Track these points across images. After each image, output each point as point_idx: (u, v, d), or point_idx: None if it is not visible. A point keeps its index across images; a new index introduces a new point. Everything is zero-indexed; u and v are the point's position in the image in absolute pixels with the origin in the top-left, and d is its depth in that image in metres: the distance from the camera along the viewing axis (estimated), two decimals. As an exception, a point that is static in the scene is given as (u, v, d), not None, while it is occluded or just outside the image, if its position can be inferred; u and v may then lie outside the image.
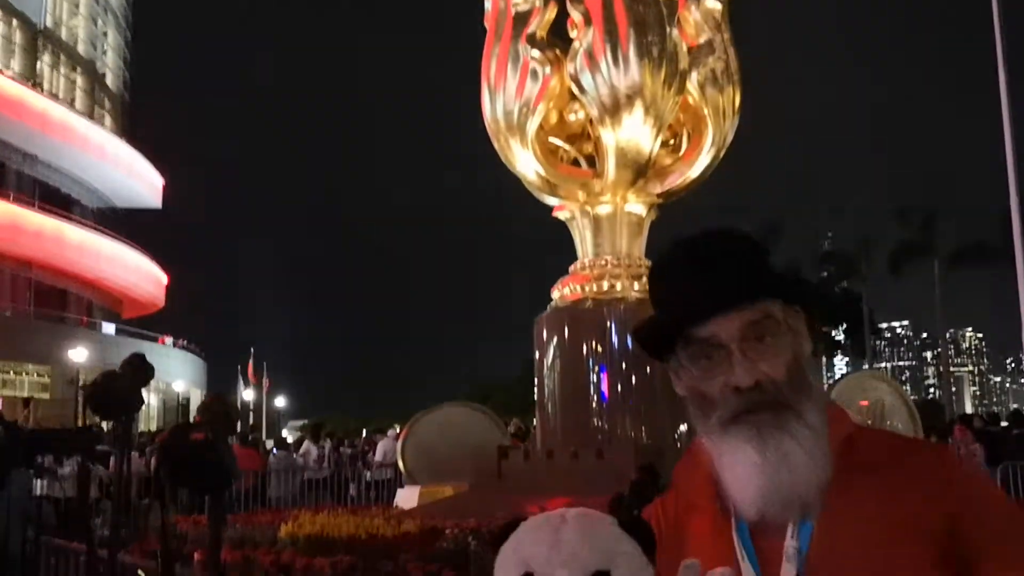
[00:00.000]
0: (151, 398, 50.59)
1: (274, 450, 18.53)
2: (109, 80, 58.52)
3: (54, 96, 48.14)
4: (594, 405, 9.78)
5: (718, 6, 9.20)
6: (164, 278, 55.77)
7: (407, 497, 10.15)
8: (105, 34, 59.33)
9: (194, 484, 2.88)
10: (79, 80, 54.00)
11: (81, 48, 55.19)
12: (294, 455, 17.99)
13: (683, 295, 1.35)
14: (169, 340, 54.52)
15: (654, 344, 1.41)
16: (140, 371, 3.03)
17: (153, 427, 44.52)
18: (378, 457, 16.62)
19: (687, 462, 1.45)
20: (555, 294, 10.18)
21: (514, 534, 1.14)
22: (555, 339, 10.03)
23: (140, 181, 53.90)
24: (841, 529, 1.28)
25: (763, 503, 1.28)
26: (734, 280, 1.34)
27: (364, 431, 29.93)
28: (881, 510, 1.26)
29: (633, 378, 9.53)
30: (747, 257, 1.38)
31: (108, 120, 55.95)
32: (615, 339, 9.56)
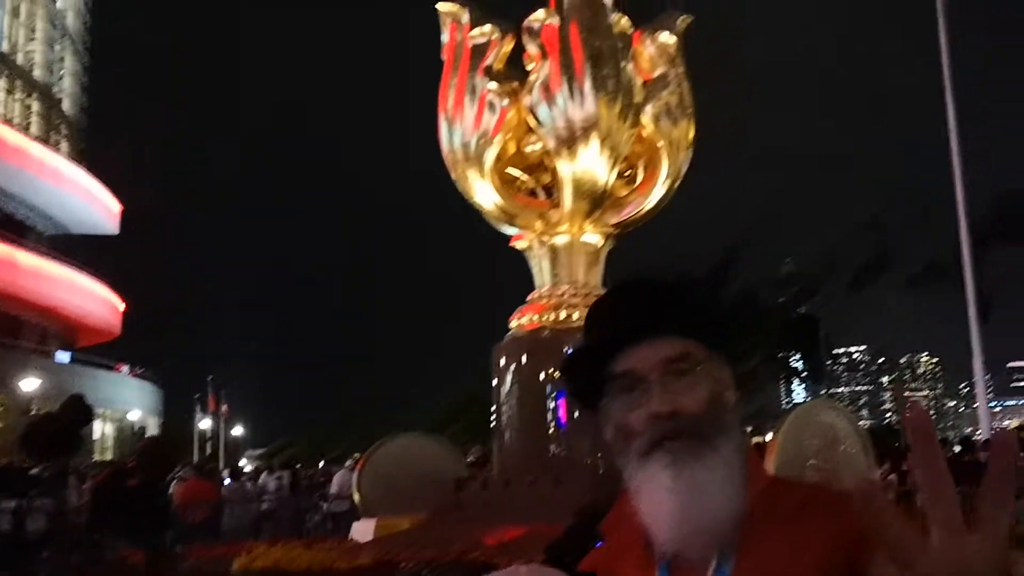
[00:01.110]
0: (105, 427, 49.75)
1: (227, 480, 18.30)
2: (66, 105, 57.96)
3: (9, 121, 47.55)
4: (552, 432, 9.80)
5: (672, 41, 9.34)
6: (120, 305, 54.98)
7: (363, 530, 10.05)
8: (62, 59, 58.82)
9: (129, 531, 2.85)
10: (35, 105, 53.45)
11: (38, 73, 54.66)
12: (247, 485, 17.79)
13: (606, 327, 1.43)
14: (125, 368, 53.71)
15: (584, 386, 1.45)
16: (79, 413, 3.00)
17: (107, 457, 43.76)
18: (334, 489, 16.45)
19: (618, 511, 1.48)
20: (513, 323, 10.21)
21: None
22: (513, 367, 10.05)
23: (96, 206, 53.30)
24: (757, 572, 1.31)
25: (675, 531, 1.31)
26: (654, 313, 1.41)
27: (322, 462, 29.68)
28: (794, 556, 1.30)
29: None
30: (672, 294, 1.45)
31: (64, 145, 55.33)
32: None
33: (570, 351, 1.50)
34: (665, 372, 1.36)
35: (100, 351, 52.68)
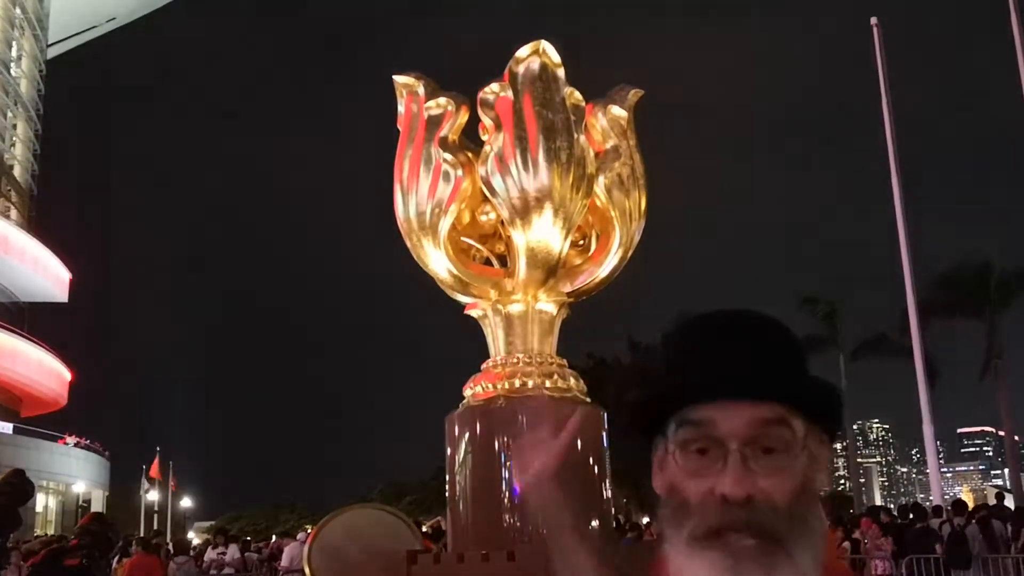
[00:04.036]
0: (48, 500, 48.30)
1: (175, 557, 17.77)
2: (17, 172, 57.38)
3: (-43, 188, 46.94)
4: (507, 502, 9.69)
5: (624, 114, 9.53)
6: (68, 375, 53.82)
7: (314, 604, 9.81)
8: (14, 126, 58.40)
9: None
10: (-16, 172, 52.88)
11: (-12, 140, 54.21)
12: (203, 557, 17.32)
13: (696, 364, 1.14)
14: (71, 440, 52.37)
15: (647, 417, 1.18)
16: (18, 490, 2.93)
17: (50, 531, 42.38)
18: (284, 562, 16.11)
19: None
20: (467, 391, 10.16)
21: None
22: (467, 436, 9.97)
23: (46, 275, 52.48)
24: None
25: None
26: (761, 364, 1.12)
27: (273, 536, 29.08)
28: None
29: (546, 476, 9.48)
30: (782, 348, 1.16)
31: (14, 213, 54.63)
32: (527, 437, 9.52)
33: (642, 390, 1.20)
34: (749, 441, 1.08)
35: (45, 421, 51.39)
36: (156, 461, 56.08)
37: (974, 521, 15.47)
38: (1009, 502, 25.06)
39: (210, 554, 17.63)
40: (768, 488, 1.06)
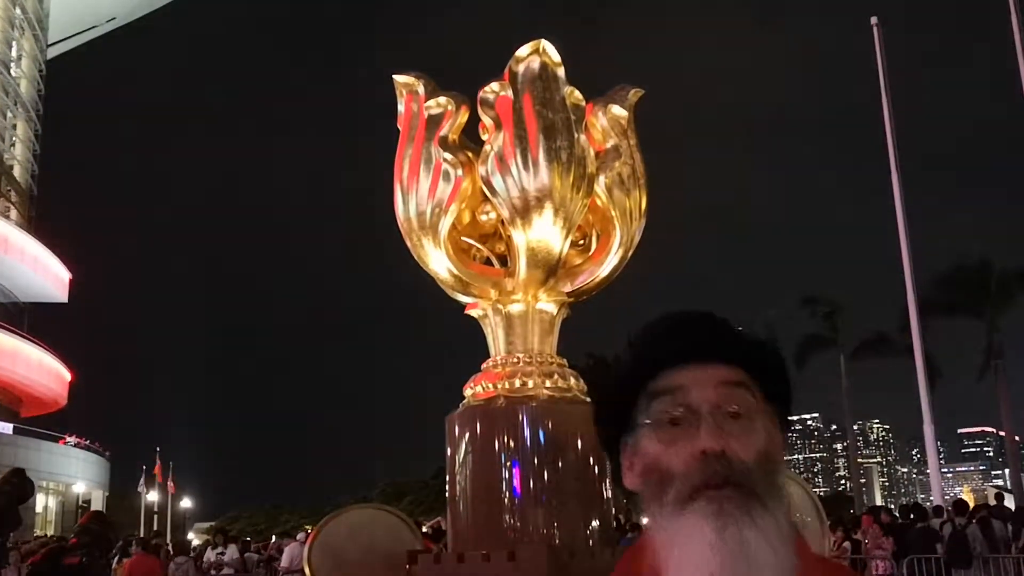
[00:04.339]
0: (48, 500, 48.31)
1: (175, 557, 17.75)
2: (17, 172, 57.40)
3: (-43, 188, 46.95)
4: (506, 502, 9.68)
5: (624, 113, 9.52)
6: (68, 375, 53.81)
7: (314, 604, 9.79)
8: (14, 126, 58.43)
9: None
10: (-16, 172, 52.87)
11: (-12, 140, 54.20)
12: (203, 557, 17.30)
13: (660, 340, 1.25)
14: (72, 440, 52.38)
15: (611, 417, 1.26)
16: (18, 489, 2.91)
17: (50, 531, 42.41)
18: (284, 563, 16.11)
19: (626, 568, 1.27)
20: (467, 392, 10.15)
21: None
22: (467, 437, 9.96)
23: (46, 275, 52.51)
24: None
25: None
26: (719, 334, 1.25)
27: (273, 536, 29.06)
28: None
29: (545, 475, 9.47)
30: (733, 326, 1.28)
31: (14, 213, 54.65)
32: (527, 436, 9.53)
33: (610, 379, 1.29)
34: (717, 405, 1.18)
35: (45, 421, 51.41)
36: (157, 461, 56.11)
37: (974, 521, 15.46)
38: (1009, 502, 25.05)
39: (209, 554, 17.60)
40: (738, 447, 1.16)
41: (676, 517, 1.15)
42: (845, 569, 1.43)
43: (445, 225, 9.43)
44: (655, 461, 1.20)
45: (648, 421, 1.21)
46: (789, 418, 1.30)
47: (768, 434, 1.21)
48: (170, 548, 20.68)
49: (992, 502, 22.06)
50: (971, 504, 18.12)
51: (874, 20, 26.52)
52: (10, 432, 46.13)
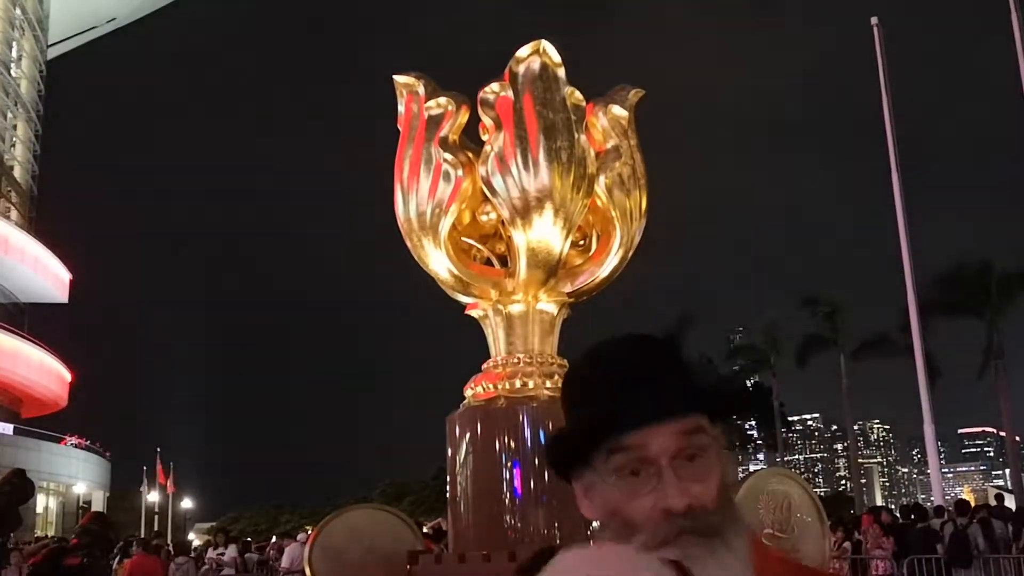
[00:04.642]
0: (49, 501, 48.31)
1: (176, 558, 17.74)
2: (17, 173, 57.41)
3: (-43, 189, 46.94)
4: (507, 503, 9.67)
5: (624, 113, 9.52)
6: (68, 376, 53.80)
7: (315, 605, 9.78)
8: (15, 127, 58.43)
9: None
10: (-15, 173, 52.86)
11: (-11, 141, 54.19)
12: (203, 558, 17.29)
13: (615, 399, 1.24)
14: (72, 440, 52.38)
15: (570, 455, 1.28)
16: (19, 489, 2.91)
17: (51, 532, 42.41)
18: (285, 563, 16.11)
19: None
20: (468, 392, 10.15)
21: None
22: (468, 437, 9.95)
23: (46, 275, 52.49)
24: None
25: None
26: (673, 387, 1.26)
27: (273, 536, 29.04)
28: None
29: (546, 475, 9.47)
30: (680, 365, 1.30)
31: (14, 213, 54.65)
32: (528, 437, 9.53)
33: (560, 431, 1.30)
34: (676, 454, 1.21)
35: (45, 422, 51.40)
36: (158, 462, 56.09)
37: (975, 521, 15.46)
38: (1009, 502, 25.04)
39: (210, 554, 17.59)
40: (699, 492, 1.20)
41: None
42: (805, 569, 1.45)
43: (445, 225, 9.43)
44: (617, 509, 1.23)
45: (608, 471, 1.24)
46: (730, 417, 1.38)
47: (722, 462, 1.26)
48: (171, 548, 20.69)
49: (993, 502, 22.04)
50: (972, 504, 18.10)
51: (874, 20, 26.54)
52: (10, 433, 46.14)
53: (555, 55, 8.90)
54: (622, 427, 1.22)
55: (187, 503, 66.71)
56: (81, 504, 48.24)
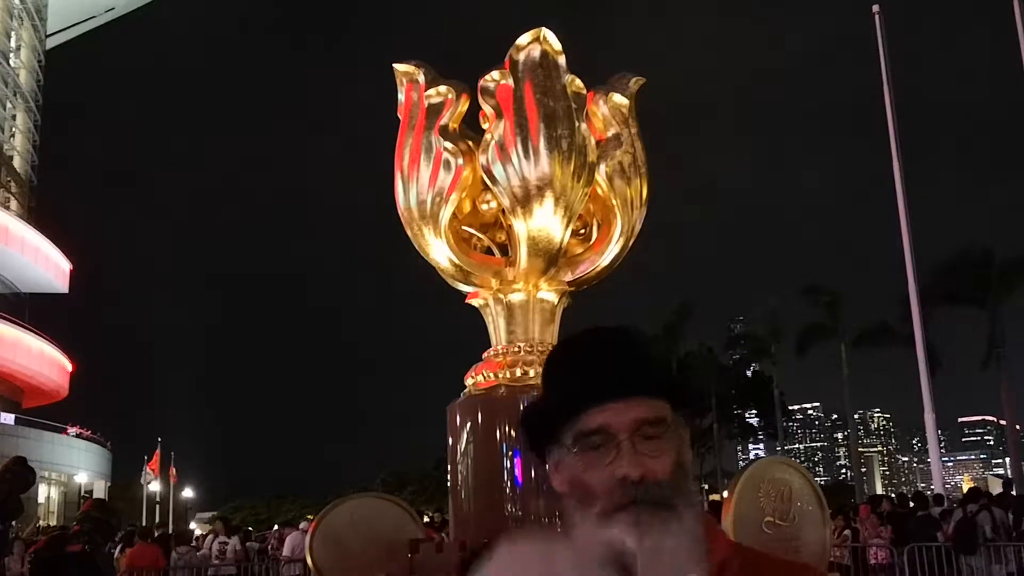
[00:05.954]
0: (50, 491, 48.42)
1: (177, 547, 17.78)
2: (16, 163, 57.35)
3: (-43, 179, 46.88)
4: (508, 491, 9.68)
5: (625, 102, 9.48)
6: (69, 366, 53.85)
7: (316, 593, 9.80)
8: (14, 117, 58.35)
9: (70, 599, 2.75)
10: (-16, 163, 52.78)
11: (-12, 131, 54.09)
12: (201, 550, 17.33)
13: (583, 379, 1.35)
14: (73, 430, 52.47)
15: (539, 432, 1.40)
16: (19, 478, 2.90)
17: (53, 521, 42.54)
18: (286, 552, 16.12)
19: None
20: (468, 381, 10.14)
21: None
22: (468, 426, 9.96)
23: (46, 265, 52.46)
24: None
25: None
26: (635, 370, 1.36)
27: (275, 525, 29.06)
28: None
29: (546, 463, 9.47)
30: (646, 353, 1.41)
31: (14, 203, 54.61)
32: (529, 426, 9.52)
33: (534, 405, 1.44)
34: (635, 432, 1.31)
35: (47, 412, 51.47)
36: (157, 454, 56.12)
37: (985, 509, 15.47)
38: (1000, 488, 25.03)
39: (211, 543, 17.63)
40: (654, 467, 1.30)
41: (600, 525, 1.29)
42: (761, 554, 1.49)
43: (446, 214, 9.40)
44: (579, 480, 1.33)
45: (573, 447, 1.34)
46: (691, 413, 1.47)
47: (679, 445, 1.36)
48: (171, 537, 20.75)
49: (998, 490, 22.02)
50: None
51: (875, 8, 26.45)
52: (12, 423, 46.19)
53: (556, 43, 8.86)
54: (587, 404, 1.33)
55: (188, 493, 66.79)
56: (83, 494, 48.31)
